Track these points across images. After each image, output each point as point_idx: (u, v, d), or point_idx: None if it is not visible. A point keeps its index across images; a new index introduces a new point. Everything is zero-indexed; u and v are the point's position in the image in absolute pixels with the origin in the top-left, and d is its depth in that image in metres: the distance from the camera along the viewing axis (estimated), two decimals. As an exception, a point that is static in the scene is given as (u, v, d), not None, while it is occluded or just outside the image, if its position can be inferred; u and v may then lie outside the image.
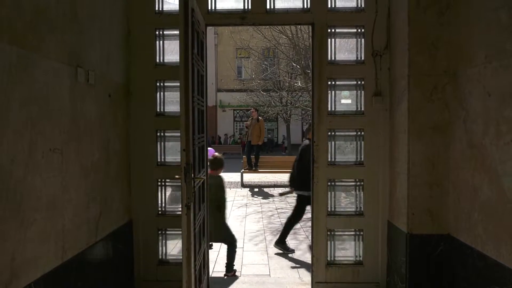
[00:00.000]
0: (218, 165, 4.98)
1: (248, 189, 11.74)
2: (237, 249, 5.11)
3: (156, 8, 4.02)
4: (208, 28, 4.07)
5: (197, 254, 3.31)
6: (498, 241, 2.70)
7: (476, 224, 2.98)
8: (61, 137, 2.66)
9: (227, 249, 4.98)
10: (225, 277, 4.82)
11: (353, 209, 4.12)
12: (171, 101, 4.12)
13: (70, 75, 2.78)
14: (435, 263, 3.42)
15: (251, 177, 12.99)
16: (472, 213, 3.03)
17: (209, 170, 4.72)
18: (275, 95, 18.97)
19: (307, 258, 5.36)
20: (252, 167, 12.02)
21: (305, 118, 21.18)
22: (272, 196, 10.60)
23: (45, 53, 2.50)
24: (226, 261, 4.95)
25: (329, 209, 4.06)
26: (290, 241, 6.40)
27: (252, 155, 12.21)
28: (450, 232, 3.37)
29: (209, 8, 4.01)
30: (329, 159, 4.05)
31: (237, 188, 11.89)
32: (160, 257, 4.13)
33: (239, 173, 12.41)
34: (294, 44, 12.81)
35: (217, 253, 5.63)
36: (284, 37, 13.35)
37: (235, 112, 29.20)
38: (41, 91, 2.45)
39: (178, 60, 2.99)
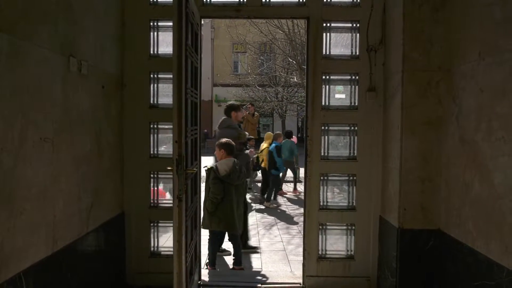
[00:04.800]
0: (232, 147, 4.80)
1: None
2: (226, 243, 5.12)
3: (151, -1, 3.99)
4: (205, 22, 4.07)
5: (188, 246, 3.31)
6: (487, 237, 2.73)
7: (466, 219, 3.00)
8: (52, 127, 2.64)
9: (236, 240, 4.87)
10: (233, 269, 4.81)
11: (345, 204, 4.13)
12: (165, 93, 4.10)
13: (62, 65, 2.76)
14: (426, 258, 3.44)
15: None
16: (463, 209, 3.05)
17: (223, 154, 4.68)
18: (271, 90, 18.93)
19: (299, 252, 5.37)
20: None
21: (301, 113, 21.17)
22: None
23: (37, 42, 2.47)
24: (235, 254, 4.87)
25: (321, 204, 4.07)
26: (282, 236, 6.44)
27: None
28: (441, 228, 3.39)
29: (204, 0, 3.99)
30: (322, 154, 4.06)
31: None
32: (152, 249, 4.12)
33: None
34: (291, 39, 12.79)
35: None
36: (281, 32, 13.33)
37: (230, 107, 29.12)
38: (32, 80, 2.43)
39: (172, 53, 2.97)
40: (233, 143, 4.84)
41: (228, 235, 4.89)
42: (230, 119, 5.47)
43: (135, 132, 4.01)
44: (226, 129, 5.39)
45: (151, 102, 4.04)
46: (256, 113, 12.78)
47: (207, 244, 4.84)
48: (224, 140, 4.88)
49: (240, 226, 4.79)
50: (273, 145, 9.21)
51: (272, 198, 8.94)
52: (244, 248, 5.33)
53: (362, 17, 3.92)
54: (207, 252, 4.84)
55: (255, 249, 5.65)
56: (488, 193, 2.73)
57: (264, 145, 9.47)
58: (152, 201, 4.10)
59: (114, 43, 3.76)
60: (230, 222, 4.59)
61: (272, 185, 9.01)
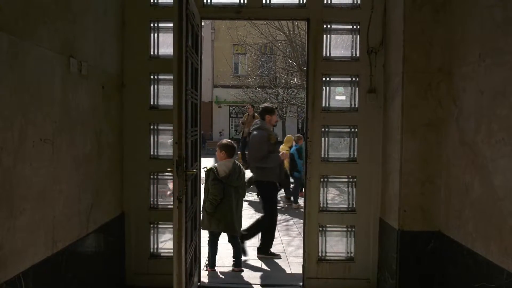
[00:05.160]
0: (233, 149, 4.80)
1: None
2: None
3: (151, 0, 3.99)
4: (206, 23, 4.10)
5: (188, 247, 3.31)
6: (487, 239, 2.72)
7: (466, 221, 3.00)
8: (52, 127, 2.64)
9: (235, 242, 4.85)
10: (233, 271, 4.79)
11: (345, 206, 4.12)
12: (165, 94, 4.10)
13: (62, 65, 2.76)
14: (426, 259, 3.44)
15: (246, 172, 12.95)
16: (463, 211, 3.05)
17: (224, 155, 4.67)
18: (271, 91, 18.94)
19: (299, 254, 5.36)
20: (247, 163, 12.01)
21: (301, 115, 21.18)
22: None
23: (37, 41, 2.47)
24: (235, 255, 4.84)
25: (321, 205, 4.07)
26: (282, 238, 6.42)
27: (247, 150, 12.19)
28: (441, 229, 3.39)
29: (205, 1, 3.99)
30: (322, 155, 4.06)
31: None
32: (151, 250, 4.12)
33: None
34: (291, 40, 12.80)
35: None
36: (281, 33, 13.34)
37: (230, 108, 29.14)
38: (32, 79, 2.42)
39: (172, 54, 2.97)
40: (234, 144, 4.84)
41: (228, 237, 4.88)
42: (263, 121, 5.49)
43: (135, 133, 4.01)
44: (257, 130, 5.40)
45: (151, 103, 4.05)
46: (256, 114, 12.80)
47: (207, 245, 4.83)
48: (225, 141, 4.89)
49: (239, 228, 4.78)
50: (294, 147, 9.25)
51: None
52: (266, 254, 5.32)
53: (363, 18, 3.92)
54: (207, 253, 4.83)
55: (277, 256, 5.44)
56: (488, 195, 2.73)
57: (284, 147, 9.46)
58: (152, 202, 4.10)
59: (114, 43, 3.77)
60: (229, 223, 4.59)
61: (295, 187, 9.15)
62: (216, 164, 4.71)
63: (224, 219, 4.55)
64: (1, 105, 2.13)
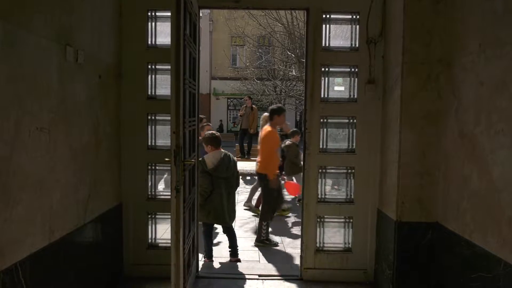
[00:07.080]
0: (218, 140, 4.78)
1: (240, 177, 11.69)
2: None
3: (149, -11, 3.94)
4: (204, 15, 4.04)
5: (186, 238, 3.31)
6: (485, 229, 2.72)
7: (464, 212, 3.00)
8: (48, 117, 2.61)
9: (230, 232, 4.87)
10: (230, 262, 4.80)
11: (344, 197, 4.13)
12: (163, 85, 4.07)
13: (58, 54, 2.73)
14: (423, 250, 3.44)
15: (243, 165, 12.93)
16: (461, 202, 3.05)
17: (211, 148, 4.65)
18: (269, 83, 18.88)
19: (296, 245, 5.38)
20: (245, 155, 12.02)
21: (299, 107, 21.14)
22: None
23: (33, 30, 2.44)
24: (231, 246, 4.85)
25: (319, 196, 4.07)
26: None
27: (245, 143, 12.19)
28: (439, 221, 3.39)
29: (203, -10, 3.95)
30: (321, 146, 4.05)
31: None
32: (149, 241, 4.12)
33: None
34: (289, 32, 12.72)
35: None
36: (280, 25, 13.25)
37: (228, 100, 29.07)
38: (28, 68, 2.39)
39: (170, 42, 2.94)
40: (217, 135, 4.80)
41: (222, 228, 4.89)
42: None
43: (132, 123, 3.98)
44: None
45: (149, 93, 4.02)
46: (254, 106, 12.77)
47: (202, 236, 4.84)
48: (207, 134, 4.82)
49: (231, 218, 4.77)
50: None
51: None
52: None
53: (362, 8, 3.88)
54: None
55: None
56: (486, 186, 2.73)
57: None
58: (150, 192, 4.09)
59: (111, 33, 3.73)
60: (219, 214, 4.58)
61: None
62: (204, 156, 4.68)
63: (213, 211, 4.54)
64: (-3, 94, 2.11)
